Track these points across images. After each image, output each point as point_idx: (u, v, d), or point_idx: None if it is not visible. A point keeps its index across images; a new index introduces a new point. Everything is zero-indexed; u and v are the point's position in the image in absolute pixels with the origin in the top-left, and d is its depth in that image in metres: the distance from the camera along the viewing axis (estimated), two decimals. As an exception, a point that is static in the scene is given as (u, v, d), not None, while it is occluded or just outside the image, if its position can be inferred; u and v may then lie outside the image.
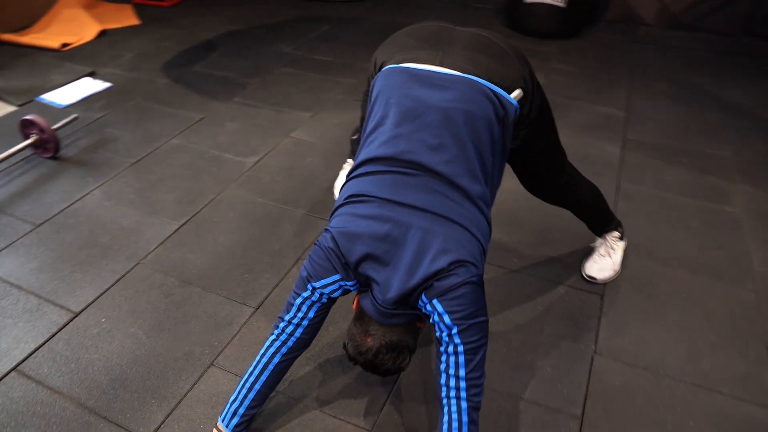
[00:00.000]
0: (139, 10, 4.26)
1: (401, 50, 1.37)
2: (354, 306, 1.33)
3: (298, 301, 1.29)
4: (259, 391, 1.35)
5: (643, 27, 4.11)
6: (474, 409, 1.19)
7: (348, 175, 1.35)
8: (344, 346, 1.31)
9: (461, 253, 1.16)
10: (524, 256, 2.01)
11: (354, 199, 1.26)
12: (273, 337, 1.34)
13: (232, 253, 2.01)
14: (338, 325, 1.73)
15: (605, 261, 1.93)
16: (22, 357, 1.61)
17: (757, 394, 1.55)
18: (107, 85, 3.14)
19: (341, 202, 1.29)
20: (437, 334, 1.20)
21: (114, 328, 1.71)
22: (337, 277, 1.24)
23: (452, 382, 1.18)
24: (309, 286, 1.27)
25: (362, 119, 1.62)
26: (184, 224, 2.14)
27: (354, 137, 2.11)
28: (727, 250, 2.06)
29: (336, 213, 1.29)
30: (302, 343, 1.34)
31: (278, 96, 3.07)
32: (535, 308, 1.81)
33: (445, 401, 1.20)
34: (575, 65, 3.46)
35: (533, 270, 1.96)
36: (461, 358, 1.17)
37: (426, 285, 1.16)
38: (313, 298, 1.28)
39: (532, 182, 1.68)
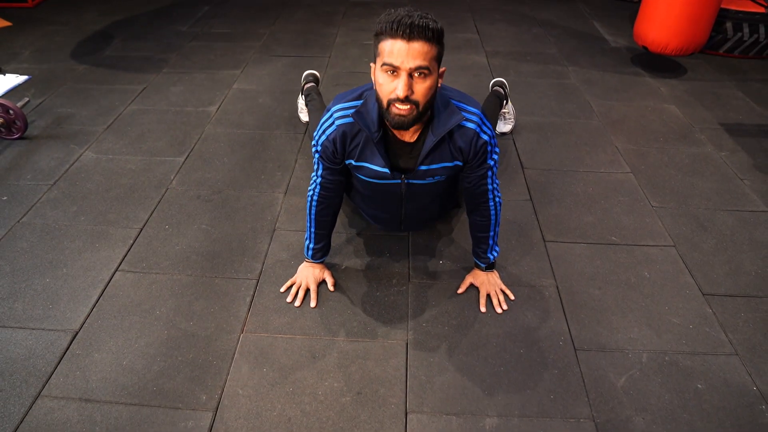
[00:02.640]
0: (1, 12, 4.20)
1: None
2: (372, 73, 1.43)
3: (315, 159, 1.65)
4: (315, 233, 1.77)
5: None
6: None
7: None
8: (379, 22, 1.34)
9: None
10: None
11: None
12: (309, 191, 1.73)
13: (241, 166, 2.47)
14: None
15: (509, 123, 2.76)
16: (118, 262, 1.94)
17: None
18: (24, 77, 3.23)
19: None
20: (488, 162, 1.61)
21: (180, 229, 2.10)
22: (329, 113, 1.57)
23: (497, 188, 1.70)
24: (314, 144, 1.62)
25: None
26: (188, 157, 2.53)
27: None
28: (575, 103, 3.04)
29: None
30: (326, 197, 1.70)
31: (202, 63, 3.45)
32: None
33: (492, 202, 1.68)
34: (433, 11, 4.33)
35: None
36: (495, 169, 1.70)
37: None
38: (320, 152, 1.62)
39: None
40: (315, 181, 1.72)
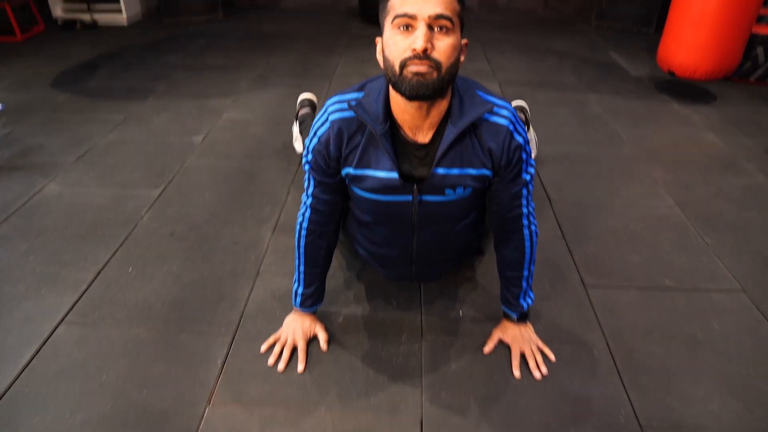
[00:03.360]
0: (-13, 48, 4.00)
1: None
2: (378, 53, 1.17)
3: (306, 172, 1.33)
4: (306, 272, 1.43)
5: (470, 13, 4.96)
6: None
7: None
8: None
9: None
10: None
11: None
12: (298, 218, 1.40)
13: (225, 200, 2.14)
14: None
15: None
16: (65, 311, 1.59)
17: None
18: (-2, 107, 2.97)
19: None
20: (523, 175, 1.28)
21: (145, 272, 1.75)
22: (322, 111, 1.26)
23: (531, 211, 1.36)
24: (306, 154, 1.31)
25: None
26: (164, 190, 2.21)
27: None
28: (601, 132, 2.74)
29: None
30: (321, 215, 1.36)
31: (192, 92, 3.19)
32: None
33: (526, 230, 1.36)
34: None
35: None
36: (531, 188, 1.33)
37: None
38: (310, 161, 1.30)
39: None
40: (305, 203, 1.38)
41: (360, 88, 1.26)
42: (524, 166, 1.27)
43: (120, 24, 4.57)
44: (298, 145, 2.51)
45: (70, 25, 4.46)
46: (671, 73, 2.99)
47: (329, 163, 1.28)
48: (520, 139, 1.23)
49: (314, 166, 1.31)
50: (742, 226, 1.99)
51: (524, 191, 1.31)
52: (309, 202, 1.37)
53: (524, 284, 1.42)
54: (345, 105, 1.22)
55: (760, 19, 3.35)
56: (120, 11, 4.54)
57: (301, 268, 1.44)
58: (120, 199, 2.14)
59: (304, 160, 1.33)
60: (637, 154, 2.51)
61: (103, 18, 4.59)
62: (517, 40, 4.20)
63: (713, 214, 2.06)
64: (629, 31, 4.49)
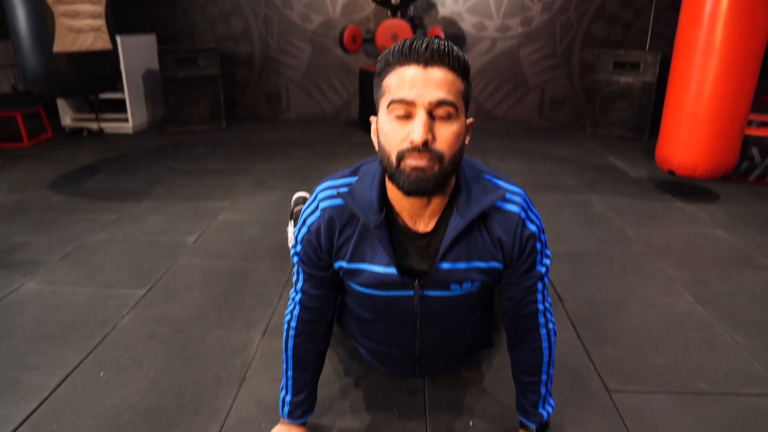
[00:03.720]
0: (-7, 154, 4.05)
1: None
2: (373, 132, 1.09)
3: (295, 266, 1.22)
4: (294, 378, 1.27)
5: (468, 123, 5.12)
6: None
7: None
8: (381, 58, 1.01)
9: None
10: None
11: None
12: (286, 316, 1.27)
13: (214, 301, 2.01)
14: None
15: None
16: (17, 423, 1.40)
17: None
18: (-10, 208, 2.92)
19: None
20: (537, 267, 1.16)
21: (119, 377, 1.58)
22: (312, 197, 1.16)
23: (549, 307, 1.21)
24: (294, 245, 1.20)
25: None
26: (150, 289, 2.08)
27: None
28: (607, 231, 2.66)
29: None
30: (311, 313, 1.24)
31: (189, 194, 3.16)
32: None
33: (543, 329, 1.20)
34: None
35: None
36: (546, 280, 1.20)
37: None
38: (300, 254, 1.19)
39: None
40: (293, 299, 1.25)
41: (353, 172, 1.17)
42: (538, 257, 1.15)
43: (126, 132, 4.69)
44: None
45: (77, 132, 4.57)
46: (671, 173, 2.97)
47: (320, 255, 1.16)
48: (533, 228, 1.12)
49: (304, 258, 1.19)
50: (772, 324, 1.84)
51: (539, 285, 1.18)
52: (298, 298, 1.24)
53: (543, 390, 1.24)
54: (336, 192, 1.12)
55: (750, 123, 3.42)
56: (127, 120, 4.67)
57: (289, 373, 1.28)
58: (101, 299, 2.00)
59: (292, 251, 1.22)
60: (647, 252, 2.41)
61: (110, 126, 4.72)
62: (515, 148, 4.27)
63: (738, 311, 1.91)
64: (624, 137, 4.59)
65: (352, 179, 1.13)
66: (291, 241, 2.40)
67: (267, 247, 2.47)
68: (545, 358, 1.22)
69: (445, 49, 0.95)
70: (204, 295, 2.04)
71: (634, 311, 1.93)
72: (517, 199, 1.11)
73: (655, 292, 2.06)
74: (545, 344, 1.21)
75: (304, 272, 1.21)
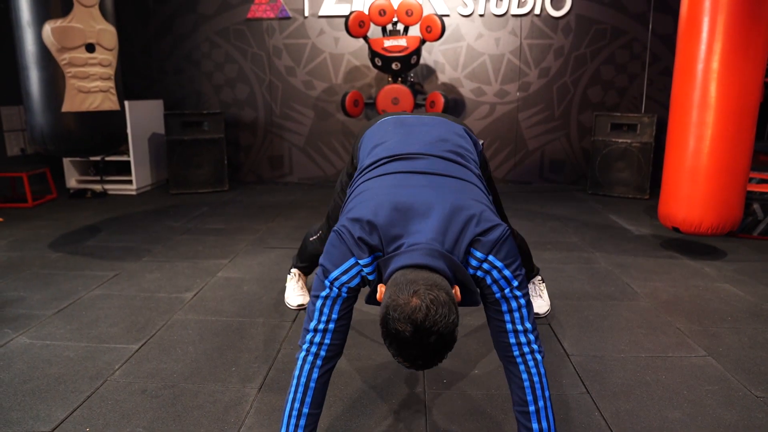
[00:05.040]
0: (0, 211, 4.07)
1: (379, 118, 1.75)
2: (379, 297, 1.23)
3: (319, 303, 1.28)
4: (309, 414, 1.28)
5: (469, 185, 5.16)
6: (543, 358, 1.28)
7: (352, 184, 1.51)
8: (383, 322, 1.14)
9: (484, 210, 1.29)
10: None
11: (368, 185, 1.38)
12: (303, 353, 1.30)
13: (208, 357, 1.94)
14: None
15: (540, 301, 2.30)
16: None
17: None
18: (-14, 266, 2.89)
19: (353, 197, 1.41)
20: (496, 295, 1.25)
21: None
22: (352, 260, 1.25)
23: (522, 338, 1.25)
24: (326, 283, 1.27)
25: (338, 196, 1.87)
26: (143, 344, 2.01)
27: (313, 237, 2.29)
28: (613, 286, 2.61)
29: (347, 208, 1.39)
30: (334, 350, 1.31)
31: (188, 253, 3.13)
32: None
33: (520, 359, 1.24)
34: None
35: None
36: (524, 311, 1.25)
37: (469, 239, 1.23)
38: (332, 295, 1.27)
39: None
40: (314, 337, 1.30)
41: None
42: (499, 279, 1.25)
43: (129, 193, 4.73)
44: (291, 300, 2.37)
45: (80, 193, 4.62)
46: (676, 229, 2.95)
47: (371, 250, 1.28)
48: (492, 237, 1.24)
49: (344, 286, 1.29)
50: (791, 377, 1.76)
51: (504, 308, 1.26)
52: (332, 327, 1.30)
53: (535, 425, 1.23)
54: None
55: (750, 180, 3.44)
56: (130, 182, 4.73)
57: (305, 410, 1.28)
58: (93, 353, 1.94)
59: (323, 292, 1.30)
60: (655, 306, 2.35)
61: (114, 188, 4.77)
62: (517, 208, 4.27)
63: (754, 364, 1.84)
64: (624, 197, 4.61)
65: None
66: (288, 297, 2.37)
67: (266, 303, 2.42)
68: (528, 389, 1.24)
69: (434, 359, 1.14)
70: (199, 350, 1.98)
71: (644, 364, 1.85)
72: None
73: (666, 346, 1.99)
74: (525, 375, 1.25)
75: (339, 300, 1.29)
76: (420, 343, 1.09)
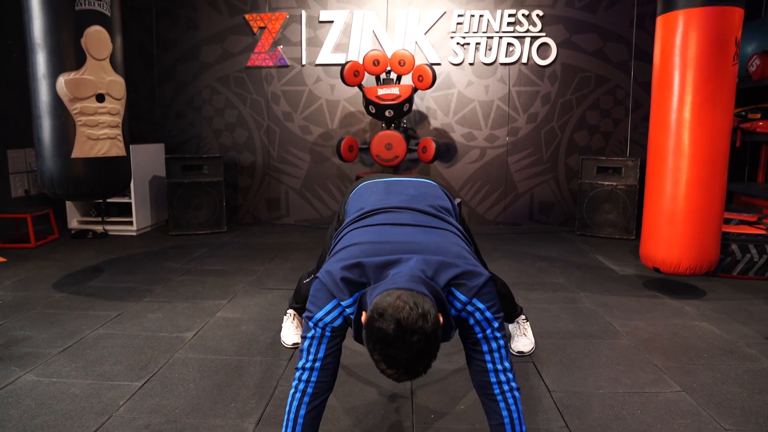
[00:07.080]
0: (3, 251, 4.17)
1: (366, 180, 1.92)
2: (363, 319, 1.29)
3: (306, 344, 1.40)
4: None
5: (460, 225, 5.30)
6: (520, 395, 1.40)
7: (334, 241, 1.63)
8: (367, 326, 1.21)
9: (467, 256, 1.42)
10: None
11: (353, 241, 1.48)
12: (292, 390, 1.40)
13: (209, 393, 2.03)
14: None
15: (525, 339, 2.41)
16: None
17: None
18: (-7, 305, 2.99)
19: (337, 249, 1.51)
20: (478, 336, 1.35)
21: (112, 466, 1.59)
22: (334, 302, 1.35)
23: (502, 377, 1.36)
24: (311, 324, 1.38)
25: (325, 250, 1.98)
26: (146, 381, 2.11)
27: (307, 280, 2.41)
28: (595, 325, 2.73)
29: (332, 255, 1.49)
30: (322, 386, 1.41)
31: (188, 293, 3.24)
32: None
33: (500, 397, 1.36)
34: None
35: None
36: (503, 351, 1.37)
37: (451, 275, 1.34)
38: (317, 335, 1.38)
39: None
40: (305, 373, 1.39)
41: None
42: (480, 318, 1.35)
43: (129, 234, 4.86)
44: (287, 339, 2.47)
45: (82, 234, 4.74)
46: (657, 270, 3.09)
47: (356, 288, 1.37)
48: (474, 282, 1.35)
49: (330, 324, 1.39)
50: (758, 410, 1.86)
51: (485, 348, 1.36)
52: (316, 365, 1.39)
53: None
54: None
55: (728, 221, 3.60)
56: (131, 223, 4.86)
57: None
58: (98, 390, 2.03)
59: (311, 331, 1.40)
60: (635, 344, 2.46)
61: (114, 229, 4.89)
62: (505, 249, 4.42)
63: (725, 399, 1.94)
64: (611, 238, 4.76)
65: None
66: (284, 336, 2.47)
67: (263, 342, 2.52)
68: (507, 424, 1.34)
69: (418, 370, 1.22)
70: (200, 387, 2.07)
71: (621, 400, 1.96)
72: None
73: (643, 382, 2.09)
74: (505, 413, 1.35)
75: (324, 339, 1.39)
76: (403, 341, 1.15)
